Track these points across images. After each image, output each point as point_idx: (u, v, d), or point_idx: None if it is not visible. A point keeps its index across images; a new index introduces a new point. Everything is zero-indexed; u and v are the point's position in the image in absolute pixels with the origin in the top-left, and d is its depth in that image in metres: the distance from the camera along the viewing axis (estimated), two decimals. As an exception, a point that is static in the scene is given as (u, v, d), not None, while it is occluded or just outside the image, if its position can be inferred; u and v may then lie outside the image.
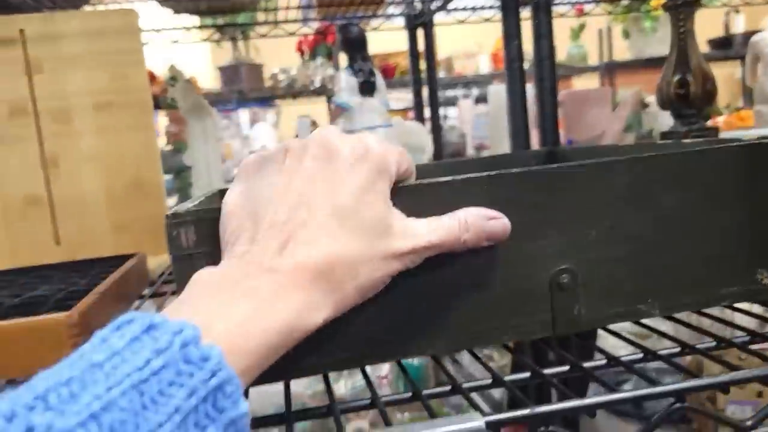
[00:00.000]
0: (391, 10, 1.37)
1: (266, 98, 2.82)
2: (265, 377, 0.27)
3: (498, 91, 1.18)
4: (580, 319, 0.35)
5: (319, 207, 0.28)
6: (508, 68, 0.84)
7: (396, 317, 0.33)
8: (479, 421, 0.25)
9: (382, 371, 1.30)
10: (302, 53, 2.81)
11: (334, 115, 1.11)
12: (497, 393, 1.19)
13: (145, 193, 0.75)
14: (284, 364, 0.29)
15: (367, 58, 1.12)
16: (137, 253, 0.63)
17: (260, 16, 1.81)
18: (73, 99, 0.73)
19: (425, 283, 0.33)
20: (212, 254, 0.31)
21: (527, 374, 0.33)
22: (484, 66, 2.67)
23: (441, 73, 2.70)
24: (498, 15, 1.21)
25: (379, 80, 1.12)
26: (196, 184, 0.97)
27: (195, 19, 1.80)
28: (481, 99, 2.79)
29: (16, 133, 0.72)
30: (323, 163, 0.29)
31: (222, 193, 0.53)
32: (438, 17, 1.33)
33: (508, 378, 0.32)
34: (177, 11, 1.15)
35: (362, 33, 1.12)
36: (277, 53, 2.78)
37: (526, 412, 0.26)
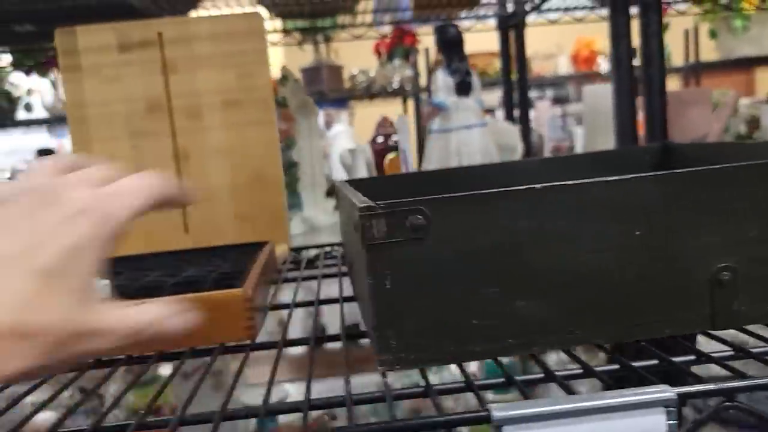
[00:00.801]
0: (483, 11, 1.39)
1: (343, 99, 2.88)
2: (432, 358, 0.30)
3: (594, 91, 1.18)
4: (740, 315, 0.36)
5: (11, 264, 0.24)
6: (616, 68, 0.84)
7: (563, 306, 0.35)
8: (670, 392, 0.27)
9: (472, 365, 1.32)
10: (379, 55, 2.85)
11: (430, 114, 1.14)
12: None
13: (266, 186, 0.79)
14: (451, 348, 0.33)
15: (464, 58, 1.14)
16: (267, 241, 0.68)
17: (339, 18, 1.85)
18: (203, 97, 0.78)
19: (591, 273, 0.35)
20: (401, 244, 0.33)
21: (655, 361, 0.34)
22: (563, 67, 2.64)
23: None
24: (590, 15, 1.21)
25: (475, 80, 1.14)
26: (302, 179, 1.02)
27: (277, 23, 1.86)
28: (559, 100, 2.76)
29: (153, 128, 0.78)
30: (31, 217, 0.26)
31: (352, 183, 0.57)
32: (529, 18, 1.34)
33: (636, 364, 0.34)
34: (281, 15, 1.20)
35: (459, 33, 1.14)
36: (352, 55, 2.84)
37: (713, 386, 0.27)
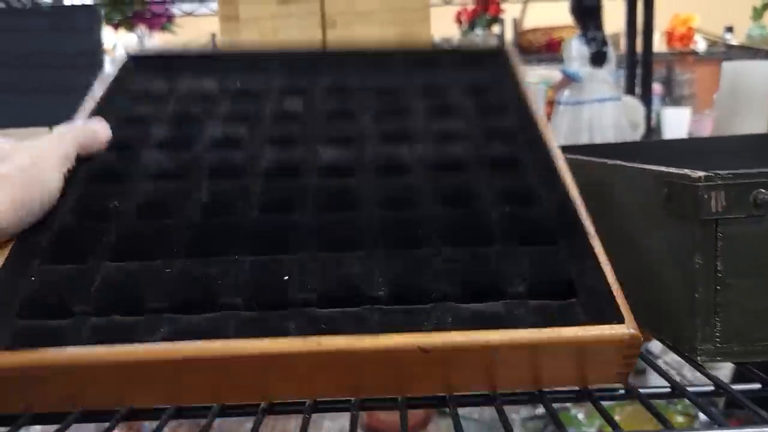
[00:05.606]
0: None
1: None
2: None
3: (735, 68, 1.11)
4: None
5: None
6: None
7: None
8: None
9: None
10: (461, 23, 2.78)
11: (561, 84, 1.08)
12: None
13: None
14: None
15: (600, 26, 1.08)
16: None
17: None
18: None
19: None
20: (739, 221, 0.30)
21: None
22: (654, 45, 2.53)
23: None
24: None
25: (610, 51, 1.08)
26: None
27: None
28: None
29: None
30: None
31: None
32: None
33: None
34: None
35: None
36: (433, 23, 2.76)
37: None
